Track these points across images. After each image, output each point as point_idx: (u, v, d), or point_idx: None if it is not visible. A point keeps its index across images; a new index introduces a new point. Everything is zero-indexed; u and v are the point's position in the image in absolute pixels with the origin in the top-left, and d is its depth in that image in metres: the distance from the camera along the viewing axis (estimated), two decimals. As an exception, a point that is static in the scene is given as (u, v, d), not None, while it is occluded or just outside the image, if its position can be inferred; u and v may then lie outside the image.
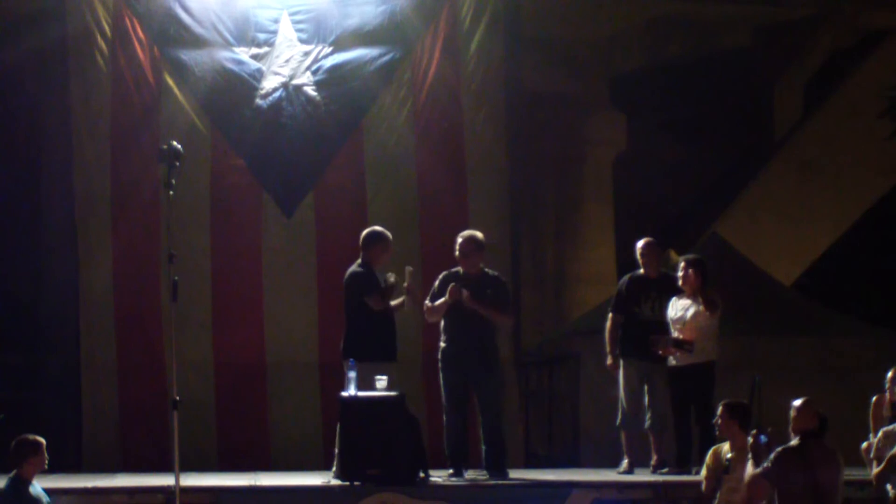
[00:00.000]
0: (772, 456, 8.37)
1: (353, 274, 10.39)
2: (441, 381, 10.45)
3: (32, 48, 13.05)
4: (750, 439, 8.58)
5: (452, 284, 10.26)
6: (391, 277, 10.31)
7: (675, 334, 10.82)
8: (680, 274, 10.86)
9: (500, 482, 10.14)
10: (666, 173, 18.71)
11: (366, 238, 10.44)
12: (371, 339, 10.16)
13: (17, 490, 8.63)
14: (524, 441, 13.06)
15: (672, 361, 10.83)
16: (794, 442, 8.46)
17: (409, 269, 10.33)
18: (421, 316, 10.92)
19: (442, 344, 10.47)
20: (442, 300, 10.19)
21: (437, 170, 12.72)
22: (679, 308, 10.85)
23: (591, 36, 17.45)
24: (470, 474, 10.38)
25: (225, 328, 12.35)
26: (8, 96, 13.72)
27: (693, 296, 10.81)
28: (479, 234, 10.50)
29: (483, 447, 10.44)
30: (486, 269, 10.51)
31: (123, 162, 12.46)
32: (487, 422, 10.41)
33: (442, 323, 10.47)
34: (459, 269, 10.46)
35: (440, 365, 10.45)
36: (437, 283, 10.48)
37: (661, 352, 10.82)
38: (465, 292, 10.23)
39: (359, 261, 10.41)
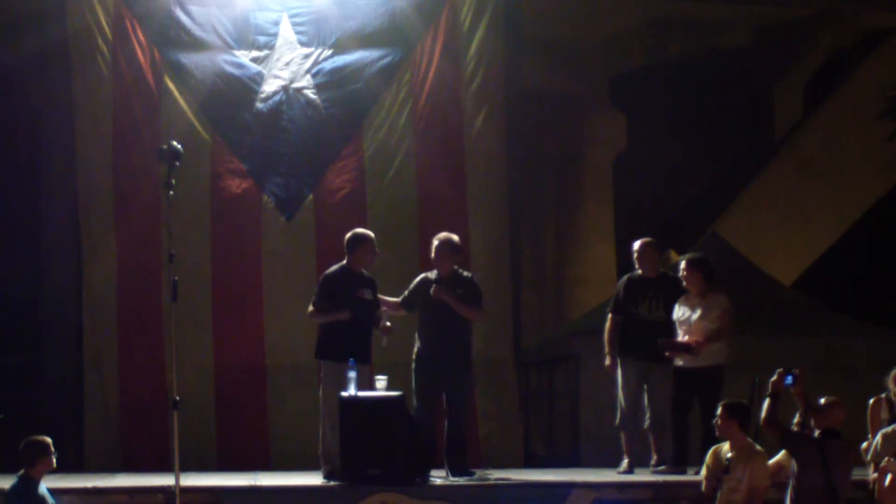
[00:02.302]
0: (792, 436, 8.67)
1: (324, 276, 10.45)
2: (413, 383, 10.50)
3: (33, 49, 13.07)
4: (775, 376, 8.64)
5: (434, 286, 10.36)
6: (387, 322, 10.39)
7: (682, 336, 10.81)
8: (682, 275, 10.85)
9: (477, 482, 10.17)
10: (666, 173, 18.74)
11: (348, 241, 10.46)
12: (339, 341, 10.18)
13: (26, 490, 8.66)
14: (524, 441, 13.06)
15: (679, 362, 10.82)
16: (816, 434, 8.67)
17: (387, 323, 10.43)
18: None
19: (416, 346, 10.57)
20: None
21: (437, 170, 12.72)
22: (685, 309, 10.84)
23: (591, 36, 17.47)
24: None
25: (225, 330, 12.36)
26: (9, 97, 13.73)
27: (699, 297, 10.80)
28: (454, 237, 10.62)
29: (445, 447, 10.49)
30: (460, 270, 10.60)
31: (125, 162, 12.47)
32: (452, 423, 10.48)
33: (417, 326, 10.59)
34: (433, 272, 10.57)
35: (413, 367, 10.53)
36: (412, 285, 10.63)
37: (667, 354, 10.81)
38: (433, 286, 10.36)
39: (342, 262, 10.45)
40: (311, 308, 10.41)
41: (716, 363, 10.75)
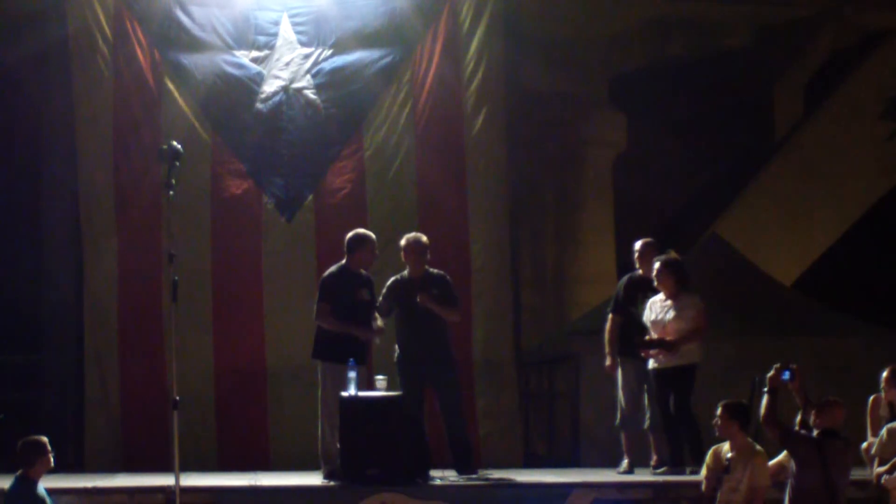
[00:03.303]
0: (791, 435, 8.66)
1: (324, 277, 10.44)
2: (399, 386, 10.47)
3: (33, 49, 13.07)
4: (772, 371, 8.64)
5: (420, 295, 10.31)
6: (377, 321, 10.43)
7: (654, 336, 10.78)
8: (655, 275, 10.81)
9: (477, 482, 10.17)
10: (666, 173, 18.74)
11: (348, 241, 10.45)
12: (337, 341, 10.19)
13: (24, 490, 8.66)
14: (524, 441, 13.06)
15: (653, 364, 10.80)
16: (814, 434, 8.66)
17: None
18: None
19: (396, 351, 10.56)
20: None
21: (437, 170, 12.73)
22: (658, 310, 10.81)
23: (591, 36, 17.47)
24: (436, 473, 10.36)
25: (225, 330, 12.36)
26: (9, 96, 13.73)
27: (671, 298, 10.78)
28: (422, 237, 10.58)
29: (449, 448, 10.49)
30: (430, 269, 10.57)
31: (125, 162, 12.47)
32: (450, 423, 10.48)
33: (395, 331, 10.57)
34: (403, 274, 10.54)
35: (397, 369, 10.51)
36: (384, 291, 10.56)
37: (644, 354, 10.80)
38: (419, 295, 10.32)
39: (341, 262, 10.45)
40: (319, 314, 10.31)
41: (690, 362, 10.73)
